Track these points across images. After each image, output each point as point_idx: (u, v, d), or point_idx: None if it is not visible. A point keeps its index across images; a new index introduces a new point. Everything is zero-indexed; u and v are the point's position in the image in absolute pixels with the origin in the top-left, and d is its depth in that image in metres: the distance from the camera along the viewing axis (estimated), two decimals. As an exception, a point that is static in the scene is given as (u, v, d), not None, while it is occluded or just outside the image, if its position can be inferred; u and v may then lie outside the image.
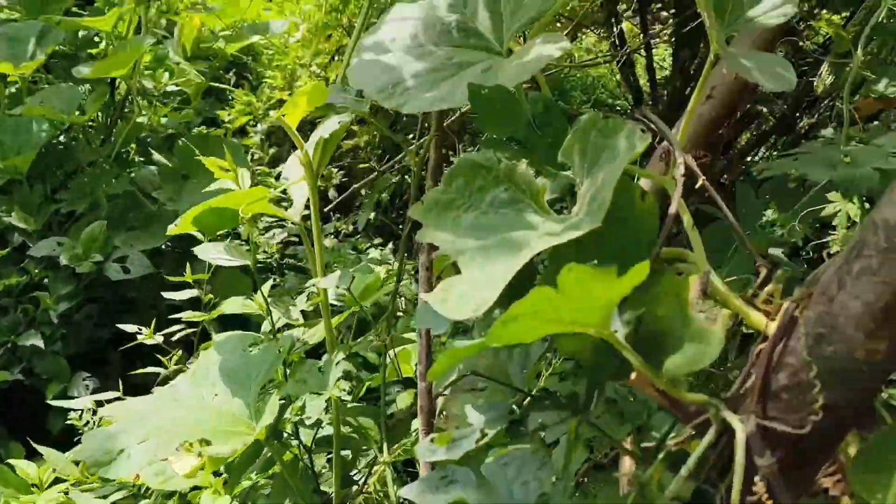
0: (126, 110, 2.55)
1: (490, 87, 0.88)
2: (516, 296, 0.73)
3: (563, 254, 0.72)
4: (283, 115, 1.13)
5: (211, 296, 1.56)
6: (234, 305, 1.41)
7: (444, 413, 1.07)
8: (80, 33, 2.46)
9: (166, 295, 1.59)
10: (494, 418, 0.73)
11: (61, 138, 2.43)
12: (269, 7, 3.70)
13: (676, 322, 0.66)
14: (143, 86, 2.71)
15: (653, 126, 0.96)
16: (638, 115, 1.01)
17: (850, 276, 0.55)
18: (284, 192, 1.28)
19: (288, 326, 1.45)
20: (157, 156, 2.57)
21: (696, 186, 0.97)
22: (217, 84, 3.08)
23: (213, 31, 3.06)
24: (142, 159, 2.62)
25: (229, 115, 3.09)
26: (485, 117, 0.87)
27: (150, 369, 1.60)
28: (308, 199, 1.18)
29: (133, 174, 2.44)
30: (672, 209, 0.75)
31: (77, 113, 2.21)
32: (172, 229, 1.15)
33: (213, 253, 1.29)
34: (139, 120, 2.53)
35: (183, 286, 1.57)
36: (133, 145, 2.57)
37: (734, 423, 0.58)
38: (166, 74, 2.76)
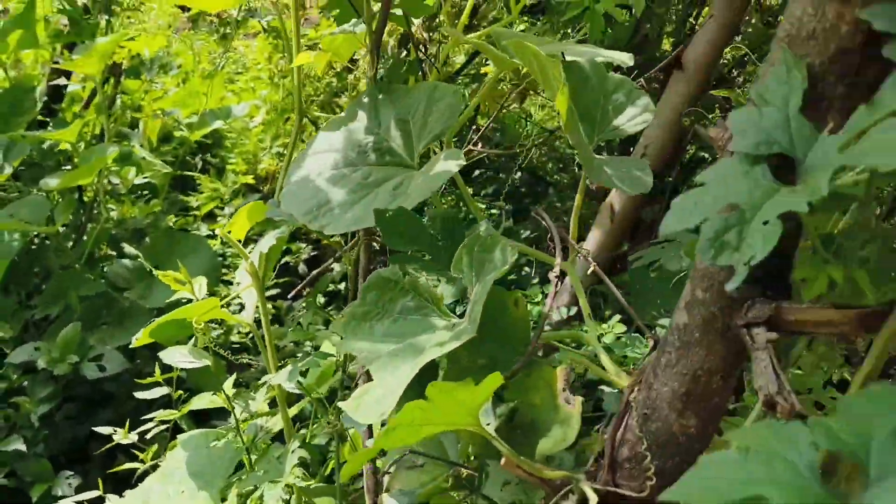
0: (95, 211, 2.71)
1: (394, 210, 1.04)
2: (424, 385, 0.88)
3: (457, 353, 0.88)
4: (229, 232, 1.29)
5: (181, 392, 1.69)
6: (202, 402, 1.55)
7: (390, 491, 1.21)
8: (46, 143, 2.63)
9: (139, 395, 1.72)
10: None
11: (34, 241, 2.58)
12: (231, 90, 3.90)
13: (548, 409, 0.81)
14: (110, 184, 2.88)
15: (544, 222, 1.13)
16: (534, 213, 1.18)
17: (660, 368, 0.70)
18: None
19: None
20: (128, 249, 2.72)
21: (589, 272, 1.13)
22: (184, 172, 3.24)
23: (176, 119, 3.23)
24: (113, 253, 2.77)
25: (197, 201, 3.26)
26: (391, 236, 1.03)
27: (127, 465, 1.73)
28: (258, 305, 1.33)
29: (106, 269, 2.58)
30: (547, 307, 0.91)
31: (48, 221, 2.37)
32: (135, 343, 1.29)
33: (177, 357, 1.43)
34: (109, 215, 2.68)
35: (155, 384, 1.70)
36: (104, 243, 2.72)
37: (588, 492, 0.73)
38: (133, 170, 2.92)
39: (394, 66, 1.33)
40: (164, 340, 1.31)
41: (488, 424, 0.77)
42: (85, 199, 2.72)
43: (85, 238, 2.59)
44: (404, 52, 2.64)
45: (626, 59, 1.25)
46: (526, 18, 3.35)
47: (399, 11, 1.46)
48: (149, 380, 1.68)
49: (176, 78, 3.67)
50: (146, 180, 3.05)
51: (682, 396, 0.69)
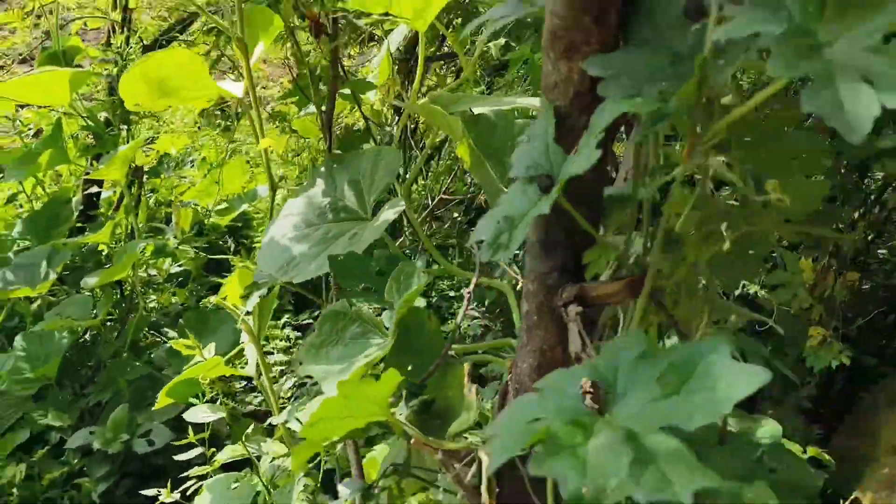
0: (135, 301, 3.05)
1: (345, 255, 1.30)
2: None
3: (389, 360, 1.12)
4: (224, 298, 1.56)
5: (213, 449, 1.96)
6: (226, 454, 1.81)
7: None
8: (86, 246, 3.00)
9: (178, 457, 1.99)
10: (353, 489, 1.11)
11: (84, 337, 2.93)
12: (256, 173, 4.27)
13: (459, 399, 1.04)
14: (148, 275, 3.23)
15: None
16: (468, 245, 1.42)
17: (520, 349, 0.93)
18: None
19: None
20: (170, 333, 3.04)
21: (518, 287, 1.36)
22: (217, 256, 3.58)
23: (206, 208, 3.59)
24: (159, 339, 3.10)
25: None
26: (342, 276, 1.28)
27: (177, 522, 2.00)
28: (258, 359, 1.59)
29: (152, 354, 2.90)
30: (458, 319, 1.14)
31: (92, 316, 2.70)
32: (156, 406, 1.57)
33: (199, 414, 1.71)
34: (150, 305, 3.02)
35: (189, 445, 1.97)
36: (146, 329, 3.06)
37: (483, 456, 0.95)
38: (168, 260, 3.26)
39: (346, 136, 1.61)
40: (180, 398, 1.58)
41: (401, 415, 0.99)
42: (125, 292, 3.06)
43: (127, 326, 2.92)
44: (397, 118, 2.94)
45: (537, 104, 1.50)
46: (521, 70, 3.64)
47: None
48: (183, 441, 1.95)
49: (202, 169, 4.07)
50: (182, 268, 3.39)
51: (536, 369, 0.90)
